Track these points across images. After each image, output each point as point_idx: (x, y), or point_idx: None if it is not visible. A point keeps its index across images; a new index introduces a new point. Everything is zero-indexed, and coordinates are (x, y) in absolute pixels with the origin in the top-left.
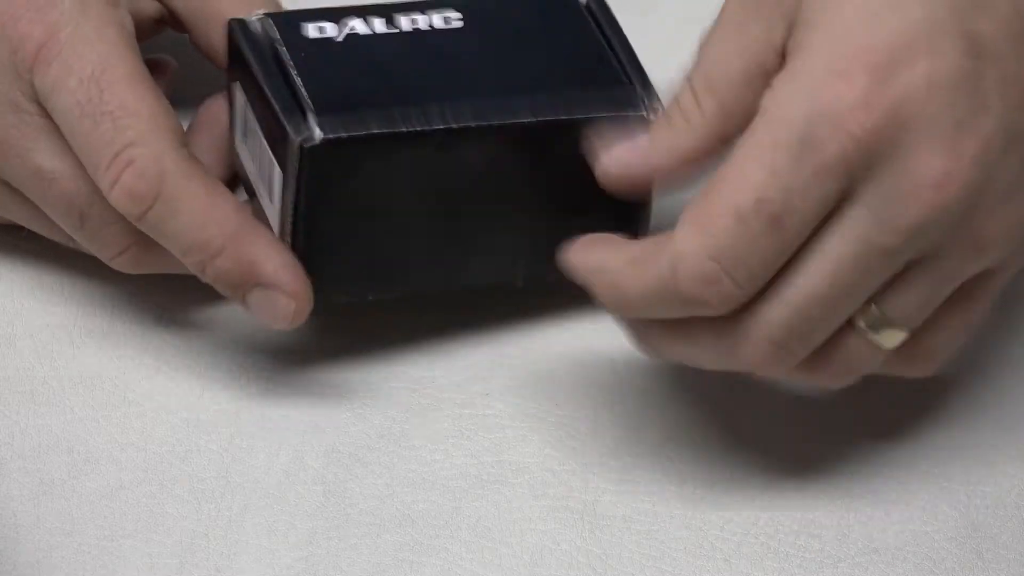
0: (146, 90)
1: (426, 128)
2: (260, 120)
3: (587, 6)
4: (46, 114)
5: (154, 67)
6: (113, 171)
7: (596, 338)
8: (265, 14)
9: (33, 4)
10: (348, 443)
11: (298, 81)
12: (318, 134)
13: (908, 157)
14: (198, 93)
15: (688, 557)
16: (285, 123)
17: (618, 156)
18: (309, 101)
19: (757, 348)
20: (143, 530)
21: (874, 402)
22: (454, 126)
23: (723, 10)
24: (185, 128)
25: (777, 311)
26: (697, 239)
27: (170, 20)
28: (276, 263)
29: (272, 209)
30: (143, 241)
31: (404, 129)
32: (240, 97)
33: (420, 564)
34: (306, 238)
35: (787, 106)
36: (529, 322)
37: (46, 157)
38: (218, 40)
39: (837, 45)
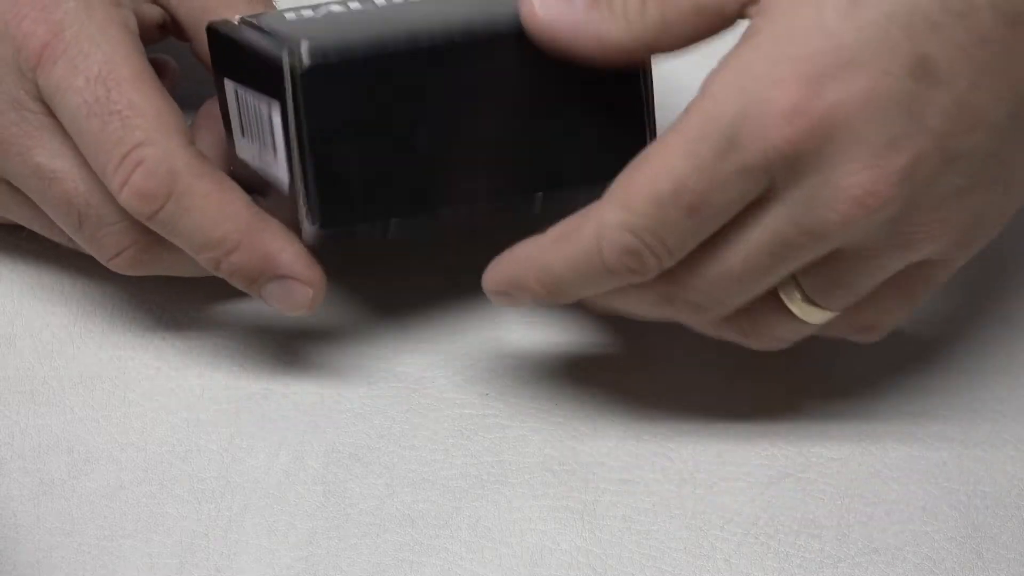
0: (152, 89)
1: (413, 47)
2: (252, 82)
3: None
4: (49, 113)
5: (155, 68)
6: (123, 172)
7: (596, 338)
8: (242, 18)
9: (37, 3)
10: (348, 443)
11: (282, 31)
12: (307, 56)
13: (833, 168)
14: (198, 93)
15: (688, 557)
16: (275, 54)
17: (550, 5)
18: (296, 35)
19: (680, 308)
20: (143, 530)
21: (874, 402)
22: (440, 42)
23: None
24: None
25: (695, 280)
26: (619, 214)
27: (172, 27)
28: (291, 254)
29: (278, 164)
30: (142, 242)
31: (391, 49)
32: (230, 86)
33: (420, 564)
34: (316, 171)
35: (721, 99)
36: (529, 322)
37: (47, 156)
38: None
39: (783, 45)
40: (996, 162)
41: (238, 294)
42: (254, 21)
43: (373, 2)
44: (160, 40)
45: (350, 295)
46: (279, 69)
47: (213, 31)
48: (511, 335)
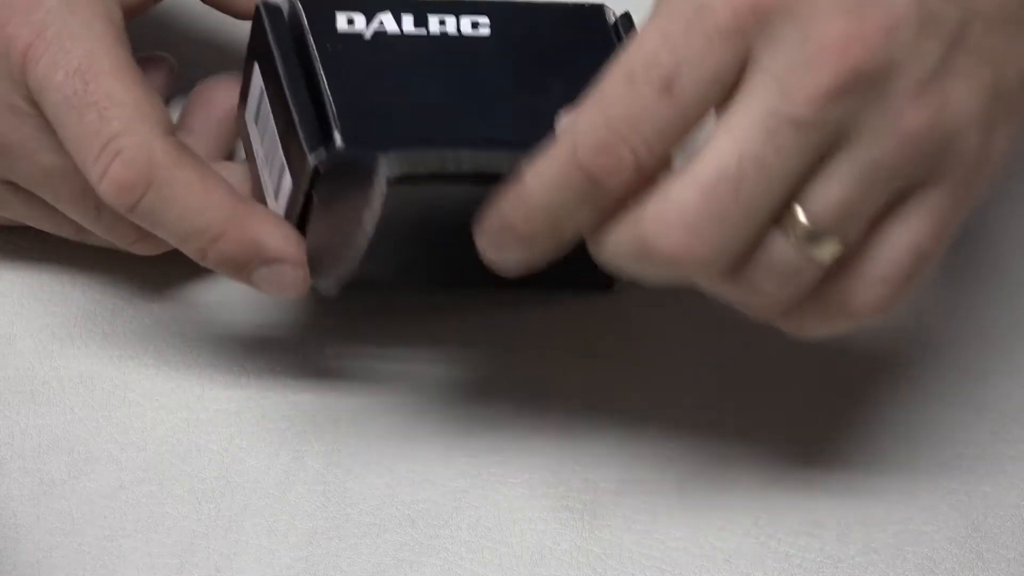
0: (132, 81)
1: (446, 171)
2: (276, 116)
3: (615, 26)
4: (43, 114)
5: (153, 63)
6: (101, 163)
7: (596, 338)
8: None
9: (19, 6)
10: (348, 443)
11: (323, 84)
12: (335, 155)
13: (809, 22)
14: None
15: (688, 557)
16: (303, 138)
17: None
18: (331, 116)
19: (669, 232)
20: (143, 530)
21: (874, 402)
22: (471, 170)
23: None
24: (181, 111)
25: (686, 190)
26: (592, 109)
27: None
28: (279, 237)
29: (276, 205)
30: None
31: (423, 171)
32: (258, 80)
33: (420, 564)
34: (310, 248)
35: None
36: (529, 322)
37: (52, 155)
38: None
39: None
40: (978, 39)
41: (238, 295)
42: (305, 26)
43: (425, 26)
44: (156, 3)
45: (350, 295)
46: (303, 156)
47: (259, 21)
48: (511, 335)
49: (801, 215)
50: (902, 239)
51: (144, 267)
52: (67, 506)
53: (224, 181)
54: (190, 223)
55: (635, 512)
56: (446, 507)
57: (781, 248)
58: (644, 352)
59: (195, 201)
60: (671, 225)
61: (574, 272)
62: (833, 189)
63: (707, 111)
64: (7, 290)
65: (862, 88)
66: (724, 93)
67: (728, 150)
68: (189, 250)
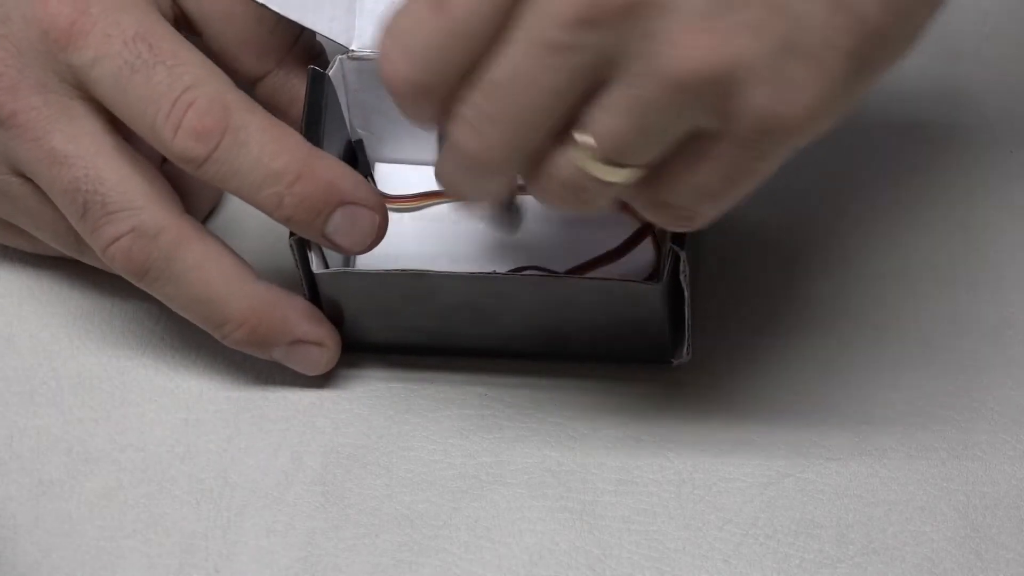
0: (191, 45)
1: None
2: None
3: None
4: (77, 95)
5: None
6: (175, 116)
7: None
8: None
9: None
10: (347, 443)
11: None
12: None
13: None
14: None
15: (688, 557)
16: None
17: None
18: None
19: (465, 136)
20: (143, 530)
21: (873, 402)
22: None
23: None
24: None
25: (473, 94)
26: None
27: (183, 21)
28: (352, 180)
29: None
30: (139, 229)
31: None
32: None
33: (419, 564)
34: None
35: None
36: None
37: (62, 140)
38: (233, 37)
39: None
40: None
41: None
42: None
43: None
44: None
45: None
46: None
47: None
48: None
49: (580, 137)
50: (694, 179)
51: None
52: (66, 507)
53: (294, 129)
54: (268, 166)
55: (634, 512)
56: (445, 507)
57: (562, 164)
58: None
59: (271, 143)
60: (464, 130)
61: (630, 346)
62: (607, 119)
63: (483, 31)
64: (7, 290)
65: (617, 20)
66: (499, 16)
67: (505, 64)
68: (265, 198)
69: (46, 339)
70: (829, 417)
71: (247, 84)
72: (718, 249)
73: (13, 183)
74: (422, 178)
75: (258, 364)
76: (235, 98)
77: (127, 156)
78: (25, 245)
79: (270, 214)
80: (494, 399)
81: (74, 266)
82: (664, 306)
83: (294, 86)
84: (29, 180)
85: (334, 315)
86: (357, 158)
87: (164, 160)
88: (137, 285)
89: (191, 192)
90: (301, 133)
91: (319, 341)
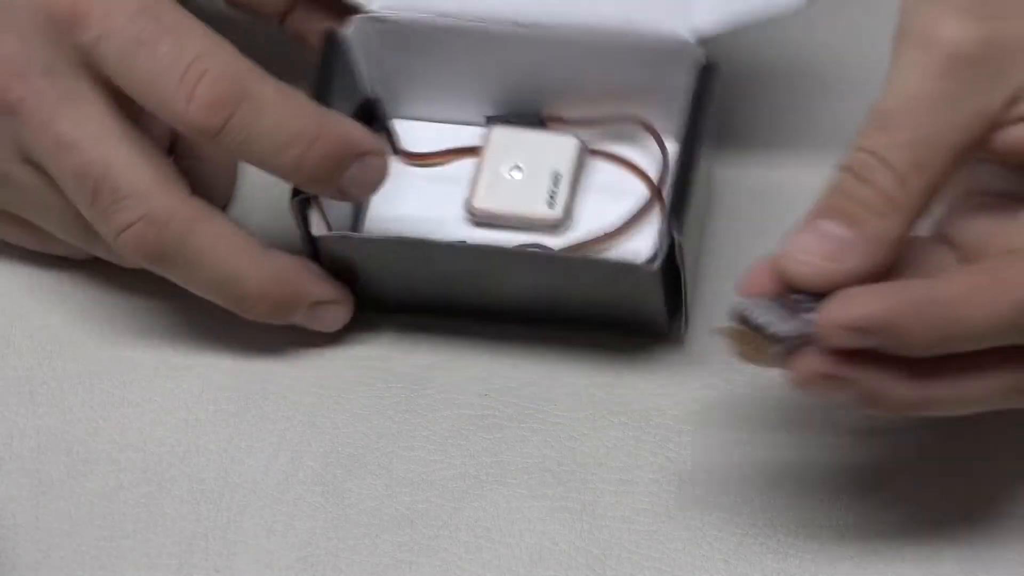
0: (196, 18)
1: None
2: None
3: None
4: (85, 76)
5: None
6: (186, 86)
7: (596, 338)
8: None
9: None
10: (347, 443)
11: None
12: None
13: None
14: None
15: (688, 557)
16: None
17: (806, 259)
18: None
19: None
20: (143, 530)
21: None
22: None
23: (915, 77)
24: None
25: None
26: None
27: None
28: (360, 131)
29: None
30: (150, 216)
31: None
32: None
33: (419, 564)
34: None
35: None
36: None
37: (69, 125)
38: None
39: None
40: None
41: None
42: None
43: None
44: None
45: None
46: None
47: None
48: (511, 335)
49: None
50: None
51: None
52: (66, 507)
53: (301, 92)
54: (286, 128)
55: (634, 512)
56: (445, 507)
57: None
58: (643, 351)
59: (286, 109)
60: None
61: (626, 316)
62: None
63: None
64: (7, 290)
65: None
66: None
67: None
68: (286, 161)
69: (46, 339)
70: (829, 417)
71: (274, 22)
72: (720, 234)
73: (23, 171)
74: (439, 134)
75: (259, 364)
76: (245, 66)
77: (135, 140)
78: (32, 242)
79: (287, 177)
80: (494, 399)
81: (74, 266)
82: (660, 288)
83: (320, 19)
84: (38, 169)
85: (336, 276)
86: (375, 115)
87: (172, 152)
88: (151, 270)
89: (204, 188)
90: (311, 95)
91: (335, 300)
